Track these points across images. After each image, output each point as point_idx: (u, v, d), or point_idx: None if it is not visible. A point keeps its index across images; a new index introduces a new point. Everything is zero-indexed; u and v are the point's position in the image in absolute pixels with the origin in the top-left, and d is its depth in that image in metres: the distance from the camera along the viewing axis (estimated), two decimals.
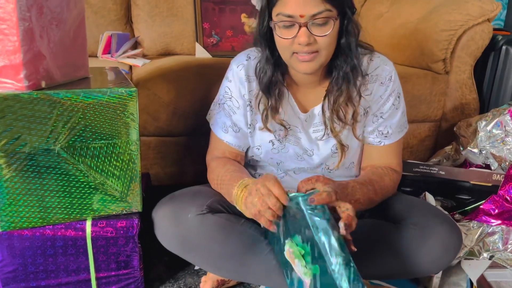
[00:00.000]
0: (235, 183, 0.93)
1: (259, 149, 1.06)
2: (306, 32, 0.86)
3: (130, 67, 1.61)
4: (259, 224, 1.00)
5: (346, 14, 0.90)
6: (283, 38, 0.89)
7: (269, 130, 1.01)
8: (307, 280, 0.78)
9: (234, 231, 0.97)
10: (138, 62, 1.61)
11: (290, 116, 1.02)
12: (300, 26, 0.86)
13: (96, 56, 1.73)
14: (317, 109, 1.01)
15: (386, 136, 1.03)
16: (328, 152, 1.03)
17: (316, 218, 0.75)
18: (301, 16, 0.85)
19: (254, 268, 0.96)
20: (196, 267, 1.19)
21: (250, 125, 1.04)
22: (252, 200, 0.84)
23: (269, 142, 1.04)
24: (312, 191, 0.82)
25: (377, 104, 1.01)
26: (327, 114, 0.99)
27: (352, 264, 0.72)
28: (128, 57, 1.67)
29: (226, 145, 1.06)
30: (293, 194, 0.81)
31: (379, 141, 1.03)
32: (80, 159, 0.92)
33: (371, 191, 0.94)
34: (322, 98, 1.00)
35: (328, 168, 1.06)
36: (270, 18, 0.91)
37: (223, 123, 1.05)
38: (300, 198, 0.78)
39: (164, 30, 1.83)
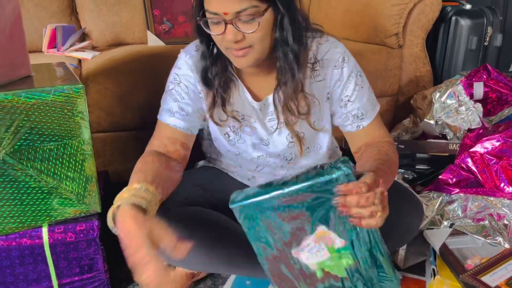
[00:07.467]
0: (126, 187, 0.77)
1: (216, 141, 1.03)
2: (232, 29, 0.81)
3: (79, 61, 1.54)
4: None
5: (278, 9, 0.84)
6: (214, 34, 0.86)
7: (216, 123, 0.97)
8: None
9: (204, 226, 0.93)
10: (87, 55, 1.54)
11: (243, 106, 0.98)
12: (226, 24, 0.82)
13: (41, 51, 1.63)
14: (271, 98, 0.97)
15: (362, 118, 0.98)
16: (284, 144, 1.00)
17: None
18: (225, 14, 0.80)
19: (237, 259, 0.92)
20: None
21: (205, 118, 1.00)
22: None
23: (224, 134, 1.01)
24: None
25: (338, 88, 0.97)
26: (278, 106, 0.96)
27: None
28: (76, 50, 1.59)
29: (169, 130, 0.96)
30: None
31: (358, 126, 0.99)
32: (29, 164, 0.87)
33: (388, 173, 0.86)
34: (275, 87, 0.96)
35: (287, 159, 1.03)
36: (202, 13, 0.86)
37: (170, 107, 0.97)
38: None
39: (112, 19, 1.75)
